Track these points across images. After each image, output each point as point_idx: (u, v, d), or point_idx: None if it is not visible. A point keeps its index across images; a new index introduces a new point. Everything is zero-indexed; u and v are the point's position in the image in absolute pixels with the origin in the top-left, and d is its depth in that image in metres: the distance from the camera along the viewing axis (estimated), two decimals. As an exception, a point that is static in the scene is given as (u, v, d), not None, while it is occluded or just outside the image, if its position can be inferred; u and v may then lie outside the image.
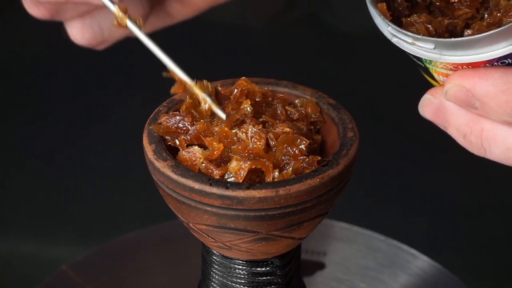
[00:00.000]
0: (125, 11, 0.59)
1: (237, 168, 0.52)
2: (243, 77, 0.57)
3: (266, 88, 0.58)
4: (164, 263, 0.78)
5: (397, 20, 0.54)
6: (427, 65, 0.52)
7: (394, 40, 0.52)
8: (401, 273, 0.77)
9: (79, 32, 0.65)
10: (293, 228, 0.53)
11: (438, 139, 1.25)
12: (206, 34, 1.39)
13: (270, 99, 0.58)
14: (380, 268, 0.78)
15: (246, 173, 0.52)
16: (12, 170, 1.21)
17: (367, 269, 0.78)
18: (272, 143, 0.54)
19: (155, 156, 0.54)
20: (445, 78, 0.52)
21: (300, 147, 0.54)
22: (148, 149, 0.55)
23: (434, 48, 0.50)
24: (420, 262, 0.77)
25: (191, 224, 0.54)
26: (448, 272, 0.76)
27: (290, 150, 0.54)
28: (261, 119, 0.56)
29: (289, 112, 0.57)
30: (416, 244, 0.80)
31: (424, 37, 0.50)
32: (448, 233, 1.11)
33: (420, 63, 0.53)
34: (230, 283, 0.58)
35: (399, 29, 0.51)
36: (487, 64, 0.50)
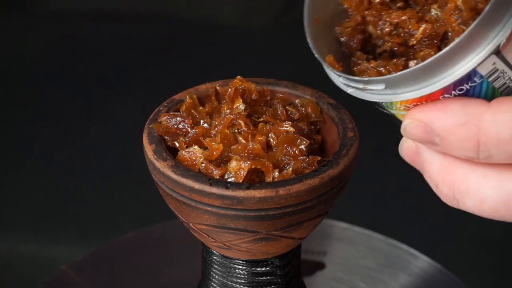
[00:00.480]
0: None
1: (237, 168, 0.52)
2: (238, 76, 0.57)
3: (265, 87, 0.58)
4: (164, 263, 0.78)
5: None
6: (392, 111, 0.51)
7: (349, 91, 0.51)
8: (401, 273, 0.77)
9: None
10: (293, 228, 0.53)
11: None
12: (206, 34, 1.39)
13: (268, 98, 0.58)
14: (380, 268, 0.78)
15: (246, 173, 0.52)
16: (12, 170, 1.21)
17: (367, 269, 0.78)
18: (273, 142, 0.54)
19: (155, 156, 0.54)
20: None
21: (300, 147, 0.54)
22: (148, 149, 0.55)
23: (386, 88, 0.48)
24: (420, 262, 0.77)
25: (191, 224, 0.54)
26: (448, 272, 0.76)
27: (290, 150, 0.54)
28: (261, 119, 0.56)
29: (289, 112, 0.57)
30: (416, 244, 0.80)
31: (373, 78, 0.49)
32: (448, 233, 1.11)
33: (385, 111, 0.51)
34: (230, 283, 0.58)
35: (349, 76, 0.50)
36: (445, 95, 0.47)
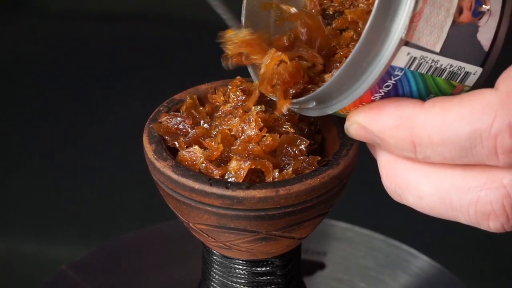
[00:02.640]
0: None
1: (237, 168, 0.52)
2: (238, 77, 0.58)
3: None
4: (164, 263, 0.78)
5: None
6: (343, 116, 0.51)
7: (296, 110, 0.52)
8: (401, 273, 0.77)
9: None
10: (293, 228, 0.53)
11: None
12: (206, 34, 1.39)
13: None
14: (380, 268, 0.78)
15: (246, 173, 0.52)
16: (12, 170, 1.21)
17: (367, 269, 0.78)
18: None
19: (155, 156, 0.54)
20: None
21: (300, 147, 0.54)
22: (148, 149, 0.55)
23: (319, 103, 0.50)
24: (420, 262, 0.77)
25: (191, 224, 0.54)
26: (448, 272, 0.76)
27: (290, 150, 0.54)
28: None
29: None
30: (416, 244, 0.80)
31: (302, 99, 0.50)
32: (448, 233, 1.11)
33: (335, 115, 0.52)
34: (230, 283, 0.58)
35: (288, 105, 0.51)
36: (375, 95, 0.48)
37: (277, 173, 0.52)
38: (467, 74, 0.49)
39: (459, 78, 0.49)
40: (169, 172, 0.53)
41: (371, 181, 1.17)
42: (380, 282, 0.77)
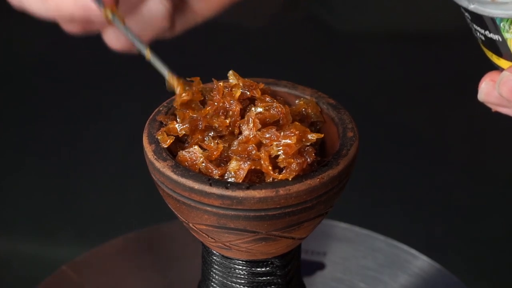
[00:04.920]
0: (112, 8, 0.61)
1: (237, 168, 0.52)
2: (230, 70, 0.57)
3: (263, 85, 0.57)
4: (164, 263, 0.78)
5: None
6: (506, 35, 0.49)
7: (471, 7, 0.49)
8: (401, 273, 0.77)
9: (113, 39, 0.68)
10: (293, 228, 0.53)
11: (438, 139, 1.25)
12: (206, 34, 1.39)
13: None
14: (380, 268, 0.78)
15: (246, 173, 0.52)
16: (12, 170, 1.21)
17: (367, 269, 0.78)
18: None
19: (155, 156, 0.54)
20: None
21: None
22: (148, 149, 0.55)
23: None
24: (420, 262, 0.77)
25: (191, 224, 0.54)
26: (448, 272, 0.76)
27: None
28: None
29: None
30: (416, 244, 0.80)
31: None
32: (448, 233, 1.11)
33: (497, 36, 0.50)
34: (230, 283, 0.58)
35: None
36: None
37: (276, 173, 0.52)
38: None
39: None
40: (168, 172, 0.53)
41: (371, 181, 1.18)
42: (380, 282, 0.77)
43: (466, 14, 0.50)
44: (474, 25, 0.50)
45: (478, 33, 0.51)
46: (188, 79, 0.58)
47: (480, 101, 0.51)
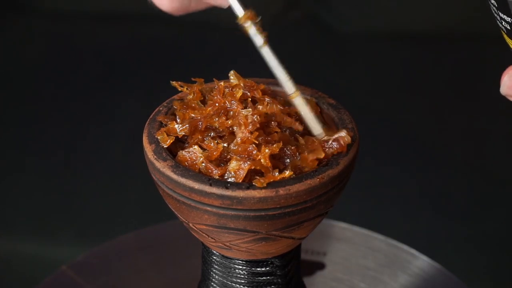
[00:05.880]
0: (251, 18, 0.59)
1: (237, 168, 0.52)
2: (232, 71, 0.57)
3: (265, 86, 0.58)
4: (164, 263, 0.78)
5: None
6: None
7: None
8: (401, 273, 0.77)
9: (167, 1, 0.64)
10: (293, 228, 0.53)
11: (438, 139, 1.25)
12: (206, 34, 1.39)
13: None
14: (380, 268, 0.78)
15: (245, 173, 0.52)
16: (12, 170, 1.21)
17: (367, 269, 0.78)
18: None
19: (155, 156, 0.54)
20: None
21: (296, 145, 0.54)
22: (148, 149, 0.55)
23: None
24: (420, 262, 0.77)
25: (191, 224, 0.54)
26: (448, 272, 0.76)
27: (287, 150, 0.54)
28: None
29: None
30: (416, 244, 0.80)
31: None
32: (448, 233, 1.11)
33: None
34: (230, 283, 0.58)
35: None
36: None
37: (276, 173, 0.52)
38: None
39: None
40: (168, 172, 0.53)
41: (371, 181, 1.18)
42: (380, 282, 0.77)
43: (493, 1, 0.50)
44: (500, 13, 0.49)
45: (503, 22, 0.50)
46: (192, 79, 0.58)
47: (502, 94, 0.51)
